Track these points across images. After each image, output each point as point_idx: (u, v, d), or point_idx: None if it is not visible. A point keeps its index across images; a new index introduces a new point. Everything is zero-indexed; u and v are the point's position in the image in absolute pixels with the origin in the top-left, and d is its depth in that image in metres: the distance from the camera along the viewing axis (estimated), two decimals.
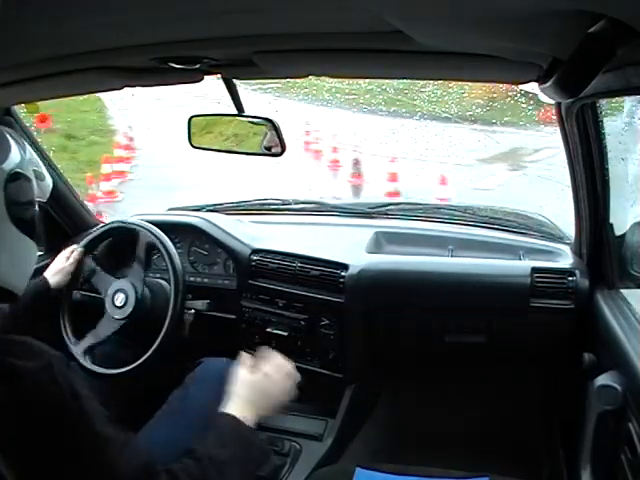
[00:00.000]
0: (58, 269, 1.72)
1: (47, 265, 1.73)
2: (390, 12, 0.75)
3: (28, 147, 1.17)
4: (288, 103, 7.44)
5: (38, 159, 1.27)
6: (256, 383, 1.20)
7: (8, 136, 1.02)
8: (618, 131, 1.51)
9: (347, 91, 7.13)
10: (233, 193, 3.21)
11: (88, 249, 1.77)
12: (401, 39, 0.84)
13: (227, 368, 1.56)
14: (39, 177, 1.17)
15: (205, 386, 1.49)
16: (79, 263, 1.75)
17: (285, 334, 1.82)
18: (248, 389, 1.19)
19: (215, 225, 1.92)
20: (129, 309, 1.65)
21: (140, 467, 0.96)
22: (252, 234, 1.94)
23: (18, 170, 0.97)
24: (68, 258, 1.75)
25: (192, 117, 1.57)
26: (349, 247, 1.85)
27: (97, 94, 4.70)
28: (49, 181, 1.54)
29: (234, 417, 1.13)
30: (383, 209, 2.06)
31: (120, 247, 1.85)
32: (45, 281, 1.69)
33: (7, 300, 0.99)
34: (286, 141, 1.45)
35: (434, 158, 6.00)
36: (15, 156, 0.98)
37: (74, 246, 1.79)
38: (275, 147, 1.47)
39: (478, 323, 1.71)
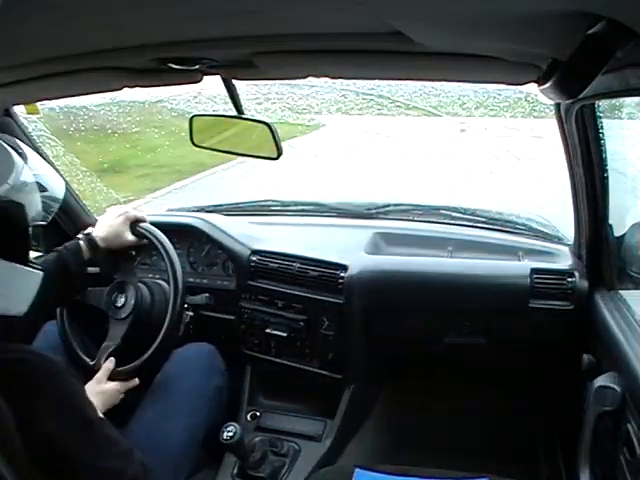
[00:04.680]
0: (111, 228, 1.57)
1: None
2: (390, 13, 0.75)
3: (30, 153, 1.15)
4: None
5: (41, 164, 1.22)
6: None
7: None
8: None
9: None
10: None
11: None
12: (401, 40, 0.84)
13: (205, 351, 1.61)
14: (41, 189, 1.15)
15: (181, 372, 1.53)
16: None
17: (284, 335, 1.82)
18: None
19: (214, 226, 1.92)
20: (128, 310, 1.65)
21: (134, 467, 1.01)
22: (251, 235, 1.94)
23: (2, 197, 0.96)
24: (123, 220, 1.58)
25: (193, 117, 1.57)
26: (348, 248, 1.85)
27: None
28: (56, 185, 1.36)
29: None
30: (382, 210, 2.07)
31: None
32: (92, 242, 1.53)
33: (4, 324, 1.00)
34: None
35: None
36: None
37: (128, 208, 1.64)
38: (272, 150, 1.48)
39: (477, 324, 1.71)
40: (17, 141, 1.15)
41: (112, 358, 1.51)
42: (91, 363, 1.60)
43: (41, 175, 1.14)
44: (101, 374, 1.45)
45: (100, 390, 1.40)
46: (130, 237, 1.61)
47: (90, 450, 0.98)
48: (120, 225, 1.59)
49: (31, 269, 1.03)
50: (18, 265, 1.00)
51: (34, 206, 1.07)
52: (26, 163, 1.05)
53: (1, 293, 0.98)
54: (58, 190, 1.21)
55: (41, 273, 1.06)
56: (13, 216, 0.99)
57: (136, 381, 1.50)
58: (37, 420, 0.91)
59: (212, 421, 1.53)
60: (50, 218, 1.16)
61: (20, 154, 1.06)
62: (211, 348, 1.67)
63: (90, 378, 1.49)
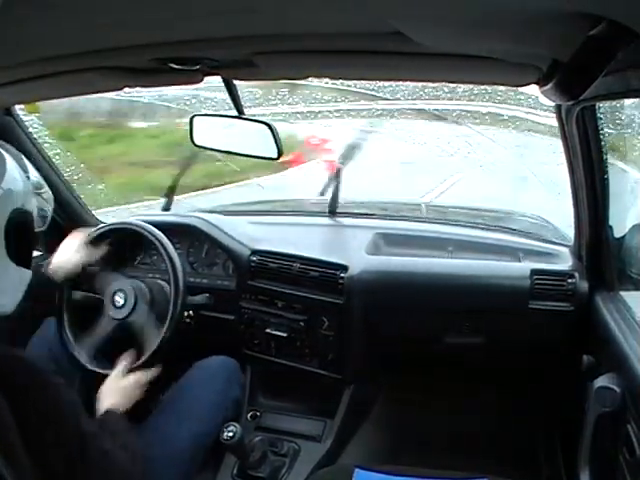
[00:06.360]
0: (64, 260, 1.61)
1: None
2: (390, 13, 0.75)
3: (24, 159, 1.19)
4: None
5: (33, 167, 1.27)
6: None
7: (6, 156, 1.03)
8: None
9: None
10: None
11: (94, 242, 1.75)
12: (401, 40, 0.84)
13: (224, 364, 1.61)
14: (38, 188, 1.21)
15: (202, 381, 1.53)
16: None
17: (284, 335, 1.82)
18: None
19: (214, 226, 1.92)
20: (128, 309, 1.65)
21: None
22: (251, 235, 1.94)
23: (19, 207, 1.00)
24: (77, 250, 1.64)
25: (194, 116, 1.57)
26: (349, 248, 1.85)
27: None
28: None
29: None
30: (382, 209, 2.06)
31: (120, 247, 1.85)
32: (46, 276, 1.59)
33: None
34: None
35: None
36: (15, 185, 1.00)
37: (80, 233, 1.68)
38: (272, 151, 1.48)
39: (477, 325, 1.71)
40: (4, 143, 1.18)
41: (127, 353, 1.54)
42: (88, 365, 1.61)
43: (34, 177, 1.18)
44: (119, 370, 1.47)
45: (121, 385, 1.42)
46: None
47: (82, 464, 0.98)
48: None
49: (22, 268, 1.04)
50: (12, 263, 1.01)
51: (32, 207, 1.09)
52: (19, 165, 1.07)
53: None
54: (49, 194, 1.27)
55: (29, 272, 1.08)
56: (25, 224, 1.03)
57: (153, 372, 1.51)
58: (29, 428, 0.91)
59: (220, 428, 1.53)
60: (47, 223, 1.20)
61: (12, 155, 1.07)
62: (233, 362, 1.69)
63: (91, 379, 1.50)
